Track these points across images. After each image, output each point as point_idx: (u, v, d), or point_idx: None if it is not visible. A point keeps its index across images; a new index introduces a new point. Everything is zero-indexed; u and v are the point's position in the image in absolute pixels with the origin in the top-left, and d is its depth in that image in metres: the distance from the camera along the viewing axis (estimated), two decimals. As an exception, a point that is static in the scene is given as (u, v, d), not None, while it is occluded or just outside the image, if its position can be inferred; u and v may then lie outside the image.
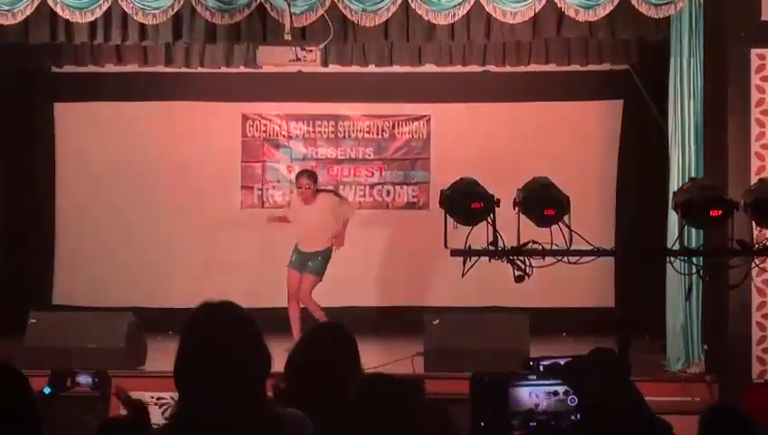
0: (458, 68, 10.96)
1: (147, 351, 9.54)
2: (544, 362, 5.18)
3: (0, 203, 11.53)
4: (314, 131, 12.05)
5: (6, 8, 9.36)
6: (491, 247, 7.19)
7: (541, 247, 7.16)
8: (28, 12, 9.35)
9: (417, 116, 12.00)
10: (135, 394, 8.63)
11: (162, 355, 8.53)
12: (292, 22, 9.17)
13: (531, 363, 4.97)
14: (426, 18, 9.34)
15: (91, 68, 11.19)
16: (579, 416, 3.52)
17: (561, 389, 4.72)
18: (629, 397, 3.36)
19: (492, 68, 11.07)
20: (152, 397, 8.32)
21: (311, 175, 10.49)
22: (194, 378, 2.84)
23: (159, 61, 10.69)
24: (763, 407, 7.63)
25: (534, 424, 4.59)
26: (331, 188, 11.24)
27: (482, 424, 4.62)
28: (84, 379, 5.57)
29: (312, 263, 10.36)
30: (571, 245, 7.21)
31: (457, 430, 3.48)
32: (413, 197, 12.01)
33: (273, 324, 8.84)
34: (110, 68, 11.16)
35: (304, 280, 10.35)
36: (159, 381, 8.42)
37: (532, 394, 4.75)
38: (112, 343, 9.19)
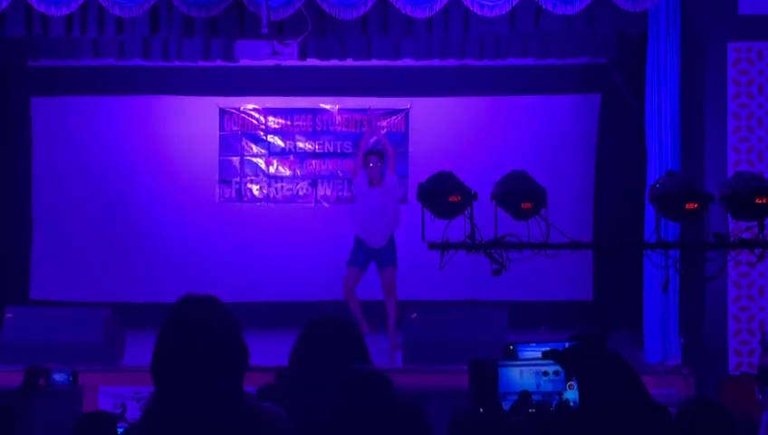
0: (436, 62, 10.96)
1: (125, 346, 9.51)
2: (524, 348, 5.20)
3: (-24, 198, 11.49)
4: (292, 125, 12.04)
5: (-19, 2, 9.30)
6: (469, 241, 7.19)
7: (518, 240, 7.17)
8: (3, 5, 9.28)
9: (396, 110, 12.00)
10: (113, 390, 8.68)
11: (141, 351, 8.51)
12: (269, 15, 9.15)
13: (511, 347, 5.00)
14: (403, 12, 9.33)
15: (68, 62, 11.13)
16: (578, 400, 3.53)
17: (550, 368, 4.75)
18: (628, 381, 3.37)
19: (470, 62, 11.08)
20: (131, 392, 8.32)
21: (380, 153, 9.91)
22: (171, 371, 2.83)
23: (137, 55, 10.63)
24: (739, 399, 7.67)
25: (534, 410, 4.61)
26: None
27: (480, 410, 4.64)
28: (60, 377, 5.56)
29: (384, 258, 9.88)
30: (548, 238, 7.22)
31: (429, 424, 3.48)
32: (391, 190, 11.99)
33: (253, 319, 8.83)
34: (88, 62, 11.10)
35: (386, 274, 9.87)
36: (138, 377, 8.41)
37: (523, 374, 4.78)
38: (89, 338, 9.16)
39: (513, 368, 4.91)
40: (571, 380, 4.60)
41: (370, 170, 9.77)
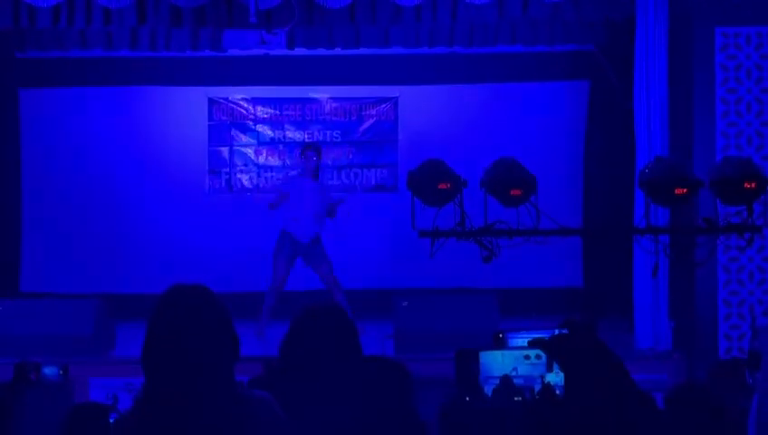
0: (425, 50, 10.96)
1: (116, 337, 9.51)
2: (513, 336, 5.22)
3: (-35, 190, 11.46)
4: (281, 115, 12.02)
5: (-34, -7, 9.26)
6: (459, 228, 7.20)
7: (508, 227, 7.19)
8: (-11, -3, 9.25)
9: (385, 98, 11.99)
10: (104, 381, 8.67)
11: (132, 342, 8.50)
12: (257, 5, 9.13)
13: (500, 336, 5.02)
14: (391, 0, 9.32)
15: (56, 53, 11.09)
16: (561, 384, 3.54)
17: (532, 352, 4.77)
18: (614, 369, 3.38)
19: (458, 50, 11.07)
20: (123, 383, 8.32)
21: (318, 148, 10.15)
22: (161, 361, 2.83)
23: (124, 45, 10.61)
24: (729, 384, 7.70)
25: (519, 399, 4.63)
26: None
27: (466, 398, 4.65)
28: (50, 370, 5.55)
29: (315, 254, 9.94)
30: (538, 224, 7.24)
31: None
32: (381, 179, 12.01)
33: (242, 309, 8.82)
34: (75, 53, 11.06)
35: (324, 268, 9.94)
36: (129, 368, 8.40)
37: (505, 358, 4.80)
38: (80, 330, 9.16)
39: (495, 352, 4.93)
40: (553, 364, 4.62)
41: (307, 163, 9.94)
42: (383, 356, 3.52)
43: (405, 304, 9.54)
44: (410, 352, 9.01)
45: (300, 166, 10.19)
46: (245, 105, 12.02)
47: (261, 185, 11.96)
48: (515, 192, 7.11)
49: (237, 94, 12.00)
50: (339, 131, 12.02)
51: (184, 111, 11.94)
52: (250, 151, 12.04)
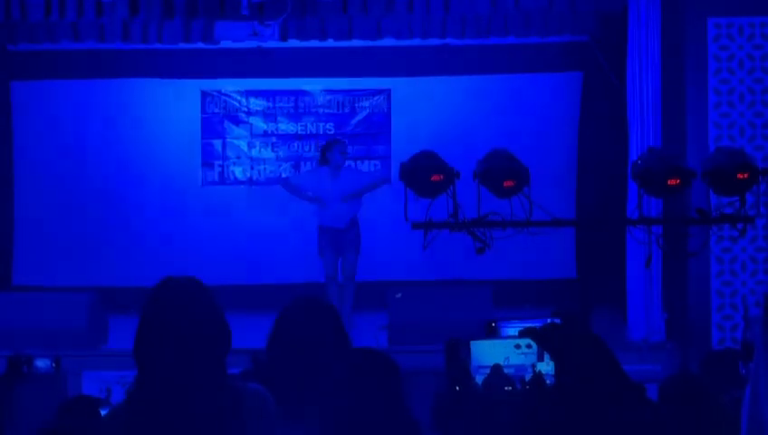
0: (418, 41, 10.94)
1: (109, 330, 9.50)
2: (506, 325, 5.24)
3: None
4: (274, 107, 12.00)
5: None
6: (452, 220, 7.20)
7: (501, 219, 7.19)
8: (-20, -11, 9.23)
9: (378, 90, 11.97)
10: (98, 374, 8.66)
11: (125, 335, 8.50)
12: (249, -4, 9.13)
13: (493, 325, 5.03)
14: (384, -9, 9.33)
15: (48, 46, 11.06)
16: (552, 373, 3.55)
17: (523, 341, 4.78)
18: (605, 359, 3.38)
19: (451, 41, 11.06)
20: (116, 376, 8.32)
21: (344, 143, 10.22)
22: (152, 353, 2.83)
23: (117, 38, 10.57)
24: (722, 374, 7.71)
25: (510, 388, 4.63)
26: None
27: (457, 388, 4.66)
28: (42, 363, 5.55)
29: (350, 239, 9.99)
30: (531, 216, 7.24)
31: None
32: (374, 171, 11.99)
33: (235, 301, 8.82)
34: (68, 45, 11.03)
35: (350, 256, 10.00)
36: (122, 361, 8.38)
37: (496, 348, 4.81)
38: (73, 324, 9.15)
39: (486, 342, 4.94)
40: (544, 354, 4.63)
41: (338, 157, 9.93)
42: (368, 348, 3.50)
43: (399, 295, 9.54)
44: (404, 344, 9.02)
45: (324, 159, 10.10)
46: (238, 97, 11.99)
47: (254, 177, 11.95)
48: (509, 183, 7.11)
49: (230, 87, 11.98)
50: (332, 124, 12.00)
51: (176, 104, 11.91)
52: (243, 144, 12.02)
